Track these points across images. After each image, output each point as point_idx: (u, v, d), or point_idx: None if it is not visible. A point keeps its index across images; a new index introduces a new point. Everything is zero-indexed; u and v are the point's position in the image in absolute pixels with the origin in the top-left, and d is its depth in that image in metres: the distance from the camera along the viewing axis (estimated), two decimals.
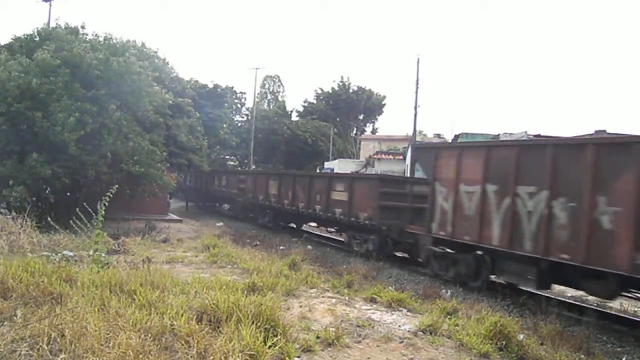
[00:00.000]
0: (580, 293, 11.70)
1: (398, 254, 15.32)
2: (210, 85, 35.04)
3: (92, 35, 18.06)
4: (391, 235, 14.69)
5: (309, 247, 16.72)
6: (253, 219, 24.32)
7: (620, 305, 10.44)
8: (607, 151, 8.20)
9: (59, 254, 8.23)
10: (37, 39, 17.04)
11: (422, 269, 13.19)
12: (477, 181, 10.56)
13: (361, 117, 66.16)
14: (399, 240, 14.55)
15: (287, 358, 4.61)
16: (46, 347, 4.04)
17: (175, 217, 23.14)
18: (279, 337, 4.81)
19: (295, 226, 22.43)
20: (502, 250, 9.85)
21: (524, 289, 10.34)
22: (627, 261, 7.46)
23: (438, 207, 11.65)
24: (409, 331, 6.08)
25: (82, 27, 18.01)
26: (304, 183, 19.61)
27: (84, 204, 9.59)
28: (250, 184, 24.74)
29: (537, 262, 9.17)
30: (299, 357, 4.85)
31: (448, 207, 11.32)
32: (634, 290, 8.65)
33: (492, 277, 10.89)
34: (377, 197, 15.00)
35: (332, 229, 18.74)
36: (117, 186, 10.00)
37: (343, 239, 17.58)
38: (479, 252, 10.82)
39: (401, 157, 43.59)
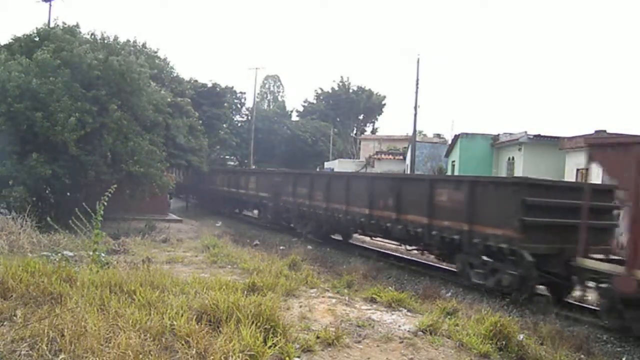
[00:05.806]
0: (581, 293, 11.69)
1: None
2: (210, 85, 35.00)
3: (88, 34, 18.10)
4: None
5: (309, 247, 16.72)
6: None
7: None
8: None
9: (59, 254, 8.21)
10: (37, 39, 17.04)
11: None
12: None
13: (361, 117, 66.14)
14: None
15: (287, 358, 4.60)
16: (46, 347, 4.03)
17: (175, 217, 23.13)
18: (279, 337, 4.80)
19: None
20: None
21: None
22: None
23: None
24: (409, 331, 6.06)
25: (77, 27, 17.99)
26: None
27: (84, 204, 9.58)
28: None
29: None
30: (299, 357, 4.84)
31: None
32: None
33: None
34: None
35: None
36: (115, 185, 9.98)
37: None
38: None
39: (401, 157, 43.62)
